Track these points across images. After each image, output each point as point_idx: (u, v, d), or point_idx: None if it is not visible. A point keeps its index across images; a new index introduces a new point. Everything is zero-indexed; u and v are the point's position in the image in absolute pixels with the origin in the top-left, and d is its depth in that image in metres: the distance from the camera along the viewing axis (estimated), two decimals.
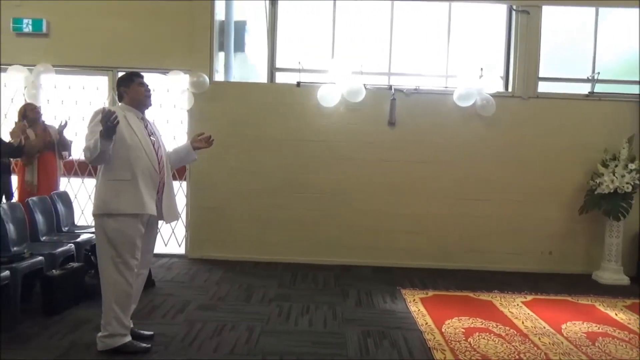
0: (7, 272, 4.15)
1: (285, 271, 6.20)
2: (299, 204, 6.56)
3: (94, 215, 3.64)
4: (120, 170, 3.58)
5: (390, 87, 6.50)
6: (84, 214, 6.71)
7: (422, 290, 5.61)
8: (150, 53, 6.52)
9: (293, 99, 6.52)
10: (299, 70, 6.52)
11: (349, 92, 6.32)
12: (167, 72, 6.41)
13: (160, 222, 3.95)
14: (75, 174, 6.76)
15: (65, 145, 6.03)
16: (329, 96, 6.35)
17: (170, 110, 6.66)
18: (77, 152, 6.62)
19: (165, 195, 3.77)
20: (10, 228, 4.87)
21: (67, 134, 6.12)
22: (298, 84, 6.52)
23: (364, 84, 6.36)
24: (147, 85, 3.82)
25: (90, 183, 6.68)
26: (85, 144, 3.51)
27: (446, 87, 6.58)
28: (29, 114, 5.89)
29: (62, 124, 5.98)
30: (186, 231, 6.72)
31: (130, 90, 3.75)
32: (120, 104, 3.79)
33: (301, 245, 6.60)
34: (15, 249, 4.81)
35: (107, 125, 3.36)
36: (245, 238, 6.60)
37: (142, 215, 3.65)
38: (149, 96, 3.83)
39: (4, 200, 5.37)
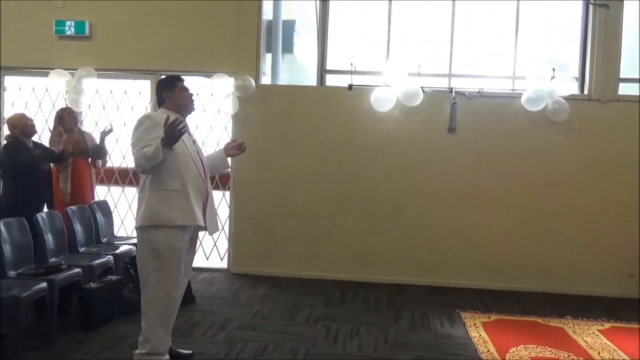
0: (44, 284, 4.29)
1: (334, 289, 6.20)
2: (349, 216, 6.55)
3: (139, 227, 3.69)
4: (171, 180, 3.63)
5: (450, 90, 6.42)
6: (123, 225, 6.91)
7: (484, 313, 5.48)
8: (193, 55, 6.68)
9: (344, 103, 6.54)
10: (351, 72, 6.53)
11: (405, 96, 6.28)
12: (211, 75, 6.54)
13: (200, 233, 4.01)
14: (115, 183, 6.95)
15: (102, 153, 6.23)
16: (383, 100, 6.32)
17: (214, 115, 6.78)
18: (117, 160, 6.86)
19: (209, 206, 3.83)
20: (49, 238, 5.05)
21: (107, 141, 6.33)
22: (350, 86, 6.52)
23: (422, 87, 6.30)
24: (189, 90, 3.88)
25: (130, 192, 6.89)
26: (137, 152, 3.56)
27: (513, 90, 6.44)
28: (65, 118, 6.12)
29: (106, 130, 6.18)
30: (229, 244, 6.80)
31: (173, 95, 3.81)
32: (160, 108, 3.87)
33: (351, 261, 6.57)
34: (53, 260, 4.99)
35: (174, 133, 3.41)
36: (291, 252, 6.63)
37: (189, 227, 3.71)
38: (193, 101, 3.89)
39: (45, 208, 5.57)
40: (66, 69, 6.65)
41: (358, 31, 6.85)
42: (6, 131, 6.56)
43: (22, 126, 5.52)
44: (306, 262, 6.61)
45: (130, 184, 6.86)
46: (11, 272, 4.48)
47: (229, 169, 4.22)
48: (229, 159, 4.18)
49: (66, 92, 6.69)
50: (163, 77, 4.03)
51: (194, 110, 3.93)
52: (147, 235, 3.65)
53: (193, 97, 3.89)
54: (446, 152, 6.44)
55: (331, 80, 6.82)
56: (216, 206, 4.69)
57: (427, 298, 5.99)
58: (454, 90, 6.41)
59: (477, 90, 6.42)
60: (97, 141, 6.29)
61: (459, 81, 6.57)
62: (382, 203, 6.53)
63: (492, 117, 6.39)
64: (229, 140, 6.60)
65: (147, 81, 6.88)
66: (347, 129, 6.54)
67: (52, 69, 6.64)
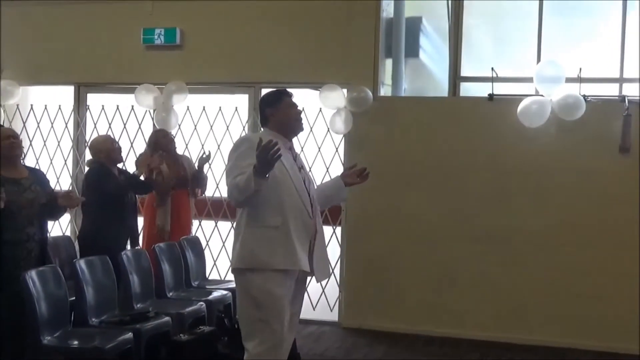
0: (130, 334, 4.44)
1: (470, 351, 6.03)
2: (489, 258, 6.37)
3: (235, 270, 3.74)
4: (270, 215, 3.64)
5: (622, 99, 6.12)
6: (216, 266, 7.07)
7: None
8: (298, 64, 6.79)
9: (484, 117, 6.43)
10: (491, 79, 6.43)
11: (561, 107, 6.07)
12: (320, 87, 6.61)
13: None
14: (207, 216, 7.15)
15: (201, 181, 6.41)
16: (533, 112, 6.15)
17: (322, 134, 6.84)
18: (209, 189, 7.04)
19: (318, 246, 3.80)
20: (134, 280, 5.25)
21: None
22: (490, 97, 6.41)
23: (584, 95, 6.06)
24: (297, 106, 3.91)
25: (224, 227, 7.05)
26: (230, 181, 3.61)
27: None
28: (161, 142, 6.33)
29: (204, 155, 6.36)
30: (340, 292, 6.77)
31: (278, 112, 3.83)
32: (263, 129, 3.92)
33: (492, 316, 6.37)
34: (138, 306, 5.16)
35: (266, 159, 3.42)
36: (416, 303, 6.52)
37: (293, 272, 3.71)
38: (300, 119, 3.91)
39: (128, 246, 5.80)
40: (154, 84, 6.98)
41: (500, 29, 6.78)
42: (88, 155, 6.98)
43: (107, 150, 5.75)
44: (435, 315, 6.47)
45: (224, 217, 7.03)
46: (93, 319, 4.67)
47: (346, 199, 4.14)
48: (346, 189, 4.10)
49: (154, 111, 6.99)
50: (266, 91, 4.09)
51: (301, 130, 3.95)
52: (244, 279, 3.69)
53: (301, 116, 3.91)
54: (617, 177, 6.14)
55: (467, 90, 6.74)
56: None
57: None
58: (627, 98, 6.10)
59: None
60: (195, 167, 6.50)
61: (634, 87, 6.27)
62: (532, 241, 6.31)
63: None
64: (341, 165, 6.75)
65: (244, 95, 7.06)
66: (486, 149, 6.41)
67: (139, 84, 6.99)
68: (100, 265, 4.94)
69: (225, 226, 7.03)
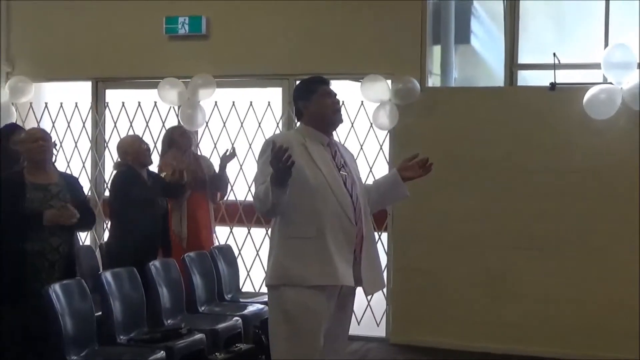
0: (162, 353, 4.45)
1: None
2: (550, 267, 6.31)
3: (268, 286, 3.71)
4: (302, 224, 3.59)
5: None
6: (250, 277, 7.06)
7: None
8: (337, 53, 6.75)
9: (545, 109, 6.35)
10: (553, 67, 6.33)
11: (633, 96, 5.97)
12: (362, 78, 6.57)
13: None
14: (240, 222, 7.12)
15: (220, 183, 6.40)
16: (601, 102, 6.06)
17: (364, 130, 6.78)
18: (241, 192, 7.03)
19: (366, 255, 3.73)
20: (164, 293, 5.26)
21: (229, 168, 6.51)
22: (552, 86, 6.32)
23: None
24: (336, 95, 3.83)
25: (258, 234, 7.04)
26: (255, 190, 3.60)
27: None
28: (177, 140, 6.34)
29: (227, 153, 6.35)
30: (387, 304, 6.73)
31: (312, 104, 3.75)
32: (298, 124, 3.87)
33: (558, 332, 6.28)
34: (169, 322, 5.16)
35: (278, 167, 3.37)
36: (470, 316, 6.45)
37: (333, 287, 3.64)
38: (338, 110, 3.82)
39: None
40: (179, 78, 6.97)
41: (562, 10, 6.70)
42: (107, 156, 7.02)
43: (135, 152, 5.77)
44: (492, 330, 6.40)
45: (258, 223, 6.98)
46: (121, 336, 4.69)
47: (408, 196, 4.05)
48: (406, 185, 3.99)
49: (179, 107, 7.00)
50: (300, 81, 4.03)
51: (340, 122, 3.87)
52: (277, 294, 3.65)
53: (339, 106, 3.83)
54: None
55: (525, 78, 6.68)
56: None
57: None
58: None
59: None
60: (217, 168, 6.48)
61: None
62: (598, 251, 6.21)
63: None
64: (386, 164, 6.71)
65: (277, 89, 7.04)
66: (547, 144, 6.34)
67: (162, 78, 6.99)
68: (128, 277, 4.96)
69: (259, 233, 7.02)
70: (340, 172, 3.73)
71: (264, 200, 3.47)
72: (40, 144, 4.73)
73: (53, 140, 5.73)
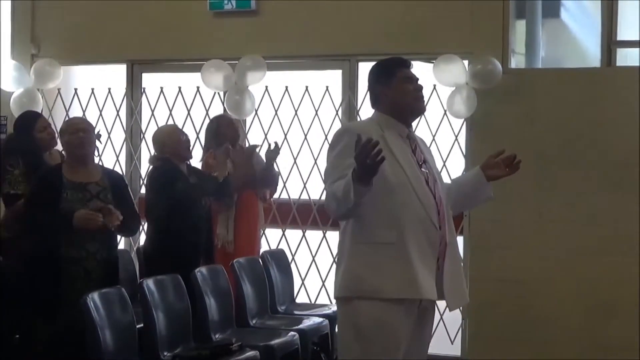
0: None
1: None
2: None
3: (339, 298, 3.69)
4: (381, 228, 3.55)
5: None
6: (304, 286, 7.02)
7: None
8: (405, 31, 6.68)
9: None
10: None
11: None
12: (434, 59, 6.51)
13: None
14: (293, 224, 7.08)
15: (271, 180, 6.37)
16: None
17: (437, 118, 6.72)
18: (295, 190, 6.98)
19: (449, 264, 3.71)
20: (211, 304, 5.25)
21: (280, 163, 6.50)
22: None
23: None
24: (417, 80, 3.81)
25: (314, 237, 7.00)
26: (328, 187, 3.54)
27: None
28: (224, 131, 6.32)
29: (271, 148, 6.29)
30: (463, 319, 6.68)
31: (391, 90, 3.73)
32: (373, 112, 3.82)
33: None
34: (217, 336, 5.16)
35: (367, 164, 3.30)
36: (560, 334, 6.34)
37: (413, 300, 3.62)
38: (421, 97, 3.81)
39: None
40: (225, 60, 6.94)
41: None
42: (144, 148, 7.02)
43: (174, 144, 5.76)
44: (586, 350, 6.25)
45: (314, 225, 6.97)
46: (165, 353, 4.68)
47: (492, 197, 4.05)
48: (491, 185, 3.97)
49: (224, 93, 6.97)
50: (366, 65, 4.03)
51: (423, 111, 3.87)
52: (349, 308, 3.63)
53: (422, 93, 3.81)
54: None
55: (625, 58, 6.62)
56: None
57: None
58: None
59: None
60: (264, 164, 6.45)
61: None
62: None
63: None
64: (462, 157, 6.65)
65: (337, 72, 7.02)
66: None
67: (206, 60, 6.96)
68: (172, 286, 4.98)
69: (315, 236, 7.01)
70: (422, 169, 3.71)
71: (342, 200, 3.40)
72: (80, 136, 4.73)
73: (97, 131, 5.78)
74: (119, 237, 5.56)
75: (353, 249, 3.61)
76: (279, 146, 6.42)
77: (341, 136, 3.60)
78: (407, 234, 3.54)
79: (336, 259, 3.75)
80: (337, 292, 3.68)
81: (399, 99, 3.72)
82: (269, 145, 6.45)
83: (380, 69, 3.83)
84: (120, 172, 6.40)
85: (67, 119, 6.87)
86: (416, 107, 3.77)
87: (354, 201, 3.36)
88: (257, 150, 6.49)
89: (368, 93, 3.89)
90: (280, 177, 6.71)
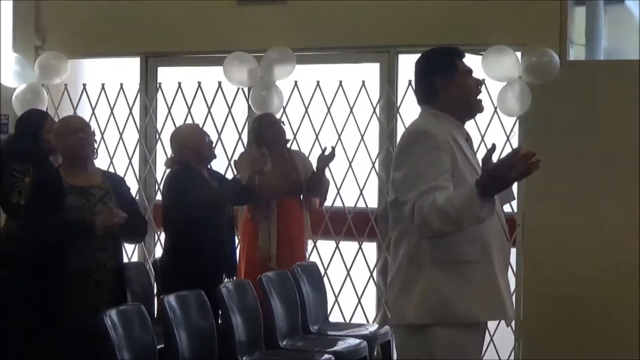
0: None
1: None
2: None
3: (411, 325, 3.61)
4: (463, 244, 3.49)
5: None
6: (338, 303, 6.99)
7: None
8: (451, 20, 6.66)
9: None
10: None
11: None
12: (483, 51, 6.47)
13: None
14: (325, 234, 7.06)
15: (321, 187, 6.38)
16: None
17: (487, 115, 6.64)
18: (328, 198, 6.94)
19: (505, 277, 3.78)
20: (238, 323, 5.22)
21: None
22: None
23: None
24: (475, 74, 3.82)
25: (349, 248, 6.96)
26: (419, 200, 3.38)
27: None
28: (266, 133, 6.31)
29: (326, 152, 6.28)
30: (516, 339, 6.64)
31: (454, 85, 3.68)
32: (423, 108, 3.76)
33: None
34: (245, 359, 5.12)
35: (511, 179, 3.25)
36: (629, 356, 6.23)
37: (485, 322, 3.75)
38: (480, 94, 3.77)
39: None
40: (250, 52, 6.93)
41: None
42: (160, 150, 6.99)
43: (195, 145, 5.78)
44: None
45: (349, 235, 6.95)
46: None
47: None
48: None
49: (249, 88, 6.96)
50: (409, 58, 4.03)
51: (482, 110, 3.80)
52: (423, 337, 3.57)
53: (481, 88, 3.79)
54: None
55: None
56: None
57: None
58: None
59: None
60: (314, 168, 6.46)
61: None
62: None
63: None
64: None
65: (374, 65, 7.00)
66: None
67: (229, 52, 6.95)
68: (195, 302, 4.96)
69: (350, 247, 6.99)
70: None
71: (456, 220, 3.32)
72: (79, 136, 4.74)
73: (93, 130, 5.77)
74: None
75: (433, 268, 3.55)
76: (333, 152, 6.35)
77: (422, 140, 3.52)
78: (492, 249, 3.55)
79: (395, 280, 3.63)
80: (414, 318, 3.59)
81: (463, 94, 3.70)
82: (323, 149, 6.42)
83: (439, 58, 3.79)
84: (122, 175, 6.35)
85: (58, 118, 6.82)
86: (477, 104, 3.75)
87: (480, 219, 3.31)
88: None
89: (416, 86, 3.85)
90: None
